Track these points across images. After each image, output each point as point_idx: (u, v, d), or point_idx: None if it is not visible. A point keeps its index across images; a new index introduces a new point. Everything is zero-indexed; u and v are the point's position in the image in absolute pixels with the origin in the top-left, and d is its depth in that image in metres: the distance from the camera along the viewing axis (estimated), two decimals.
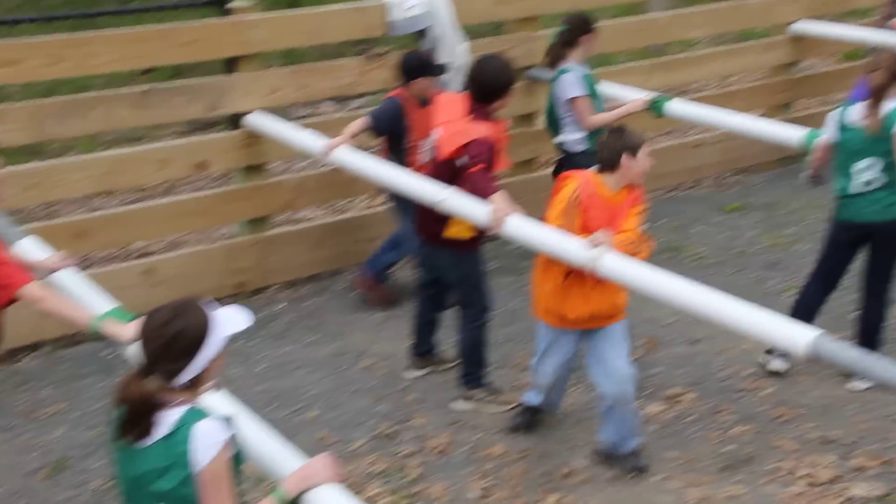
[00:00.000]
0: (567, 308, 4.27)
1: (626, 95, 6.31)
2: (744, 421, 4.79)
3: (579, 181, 4.21)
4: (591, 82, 5.83)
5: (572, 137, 5.83)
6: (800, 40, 8.11)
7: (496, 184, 4.49)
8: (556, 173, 5.84)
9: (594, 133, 5.69)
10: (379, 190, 6.15)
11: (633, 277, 3.94)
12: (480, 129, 4.58)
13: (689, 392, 5.04)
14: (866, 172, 4.77)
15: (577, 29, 5.84)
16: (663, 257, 6.53)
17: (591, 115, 5.78)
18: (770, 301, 5.75)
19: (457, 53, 6.35)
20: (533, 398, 4.70)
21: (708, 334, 5.45)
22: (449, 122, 4.71)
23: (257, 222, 6.29)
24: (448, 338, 5.25)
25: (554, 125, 5.95)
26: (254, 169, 6.22)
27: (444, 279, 5.01)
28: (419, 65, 5.59)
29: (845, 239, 4.98)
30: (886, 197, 4.77)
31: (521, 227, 4.33)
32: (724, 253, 6.69)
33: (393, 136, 5.60)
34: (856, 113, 4.80)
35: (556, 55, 5.89)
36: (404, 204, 5.42)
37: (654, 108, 6.10)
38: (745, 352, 5.32)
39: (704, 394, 5.03)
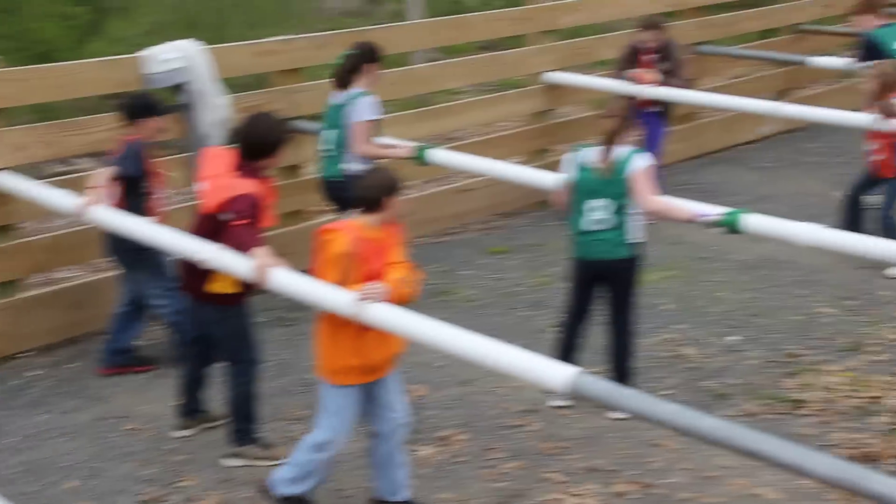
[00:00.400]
0: (373, 355, 4.20)
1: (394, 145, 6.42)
2: (514, 457, 4.89)
3: (347, 234, 4.16)
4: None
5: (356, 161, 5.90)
6: (553, 89, 8.52)
7: (259, 238, 4.42)
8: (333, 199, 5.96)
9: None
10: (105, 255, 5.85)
11: (402, 325, 3.96)
12: (246, 185, 4.54)
13: (460, 433, 5.10)
14: (598, 212, 5.00)
15: (363, 56, 5.93)
16: (434, 301, 6.64)
17: (369, 141, 5.91)
18: (537, 338, 5.98)
19: (216, 107, 6.26)
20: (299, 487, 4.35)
21: (479, 375, 5.54)
22: (215, 176, 4.63)
23: (6, 286, 5.94)
24: (217, 394, 5.10)
25: (340, 150, 6.00)
26: (1, 230, 5.89)
27: (210, 334, 4.88)
28: (145, 105, 5.51)
29: (582, 276, 5.23)
30: (615, 237, 5.02)
31: (285, 280, 4.28)
32: (492, 294, 6.86)
33: (129, 182, 5.43)
34: (591, 155, 5.04)
35: (343, 79, 5.95)
36: (132, 265, 5.31)
37: (417, 156, 6.24)
38: (515, 389, 5.45)
39: (476, 433, 5.10)
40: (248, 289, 4.65)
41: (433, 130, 8.27)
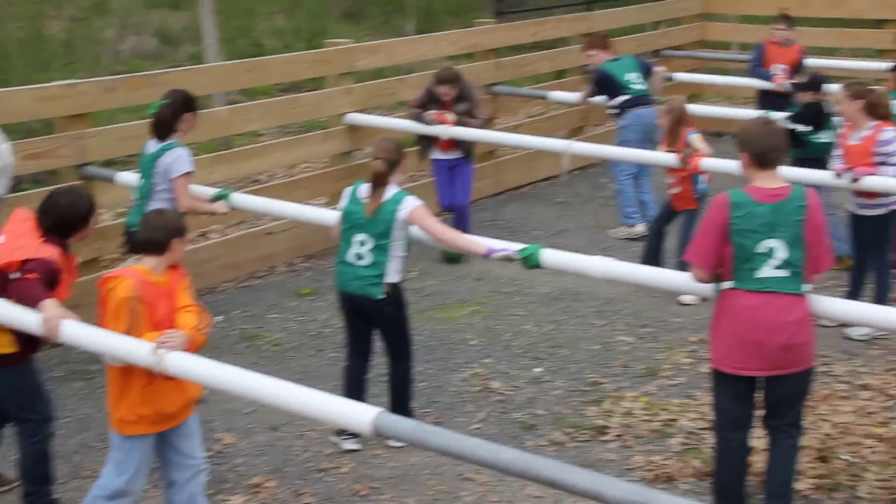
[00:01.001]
0: (164, 403, 4.08)
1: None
2: (326, 500, 4.84)
3: (131, 279, 4.03)
4: None
5: None
6: (355, 130, 8.58)
7: (47, 291, 4.22)
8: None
9: None
10: None
11: (204, 373, 3.87)
12: (46, 251, 4.37)
13: (270, 479, 5.01)
14: (359, 247, 5.07)
15: (179, 105, 5.79)
16: (242, 346, 6.54)
17: (190, 195, 5.80)
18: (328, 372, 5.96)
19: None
20: None
21: (288, 419, 5.47)
22: (16, 234, 4.44)
23: None
24: (8, 455, 4.83)
25: (145, 200, 5.84)
26: None
27: None
28: None
29: (344, 308, 5.30)
30: (370, 275, 5.06)
31: (77, 333, 4.10)
32: (301, 337, 6.79)
33: None
34: (364, 191, 5.11)
35: (162, 130, 5.82)
36: None
37: (215, 199, 6.17)
38: (326, 432, 5.40)
39: (286, 479, 5.02)
40: (32, 345, 4.45)
41: (235, 173, 8.19)
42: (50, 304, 4.12)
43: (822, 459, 5.04)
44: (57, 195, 4.61)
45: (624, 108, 8.54)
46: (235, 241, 7.86)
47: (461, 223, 7.98)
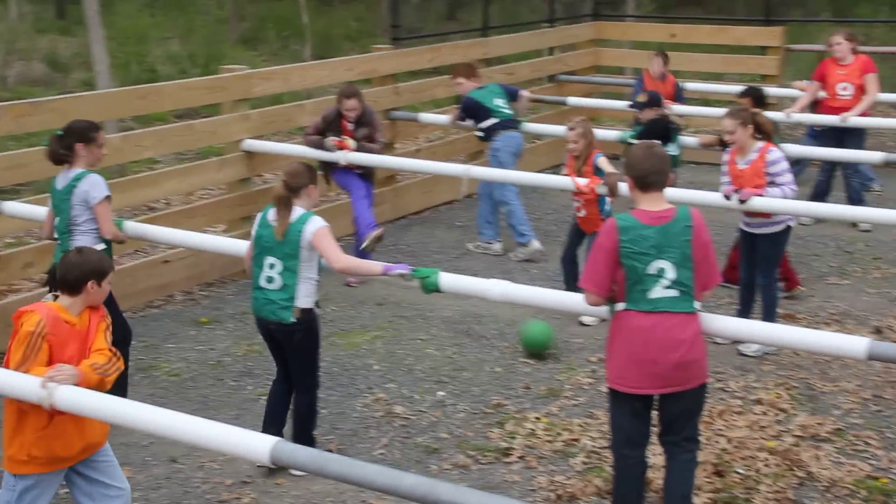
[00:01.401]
0: (59, 447, 3.95)
1: None
2: None
3: (42, 314, 3.91)
4: None
5: (91, 243, 5.50)
6: (252, 156, 8.50)
7: None
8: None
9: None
10: None
11: (95, 407, 3.76)
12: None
13: None
14: (269, 271, 5.04)
15: (76, 135, 5.61)
16: (138, 378, 6.38)
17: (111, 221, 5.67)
18: (247, 408, 5.89)
19: None
20: None
21: (187, 451, 5.36)
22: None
23: None
24: None
25: (66, 236, 5.64)
26: None
27: None
28: None
29: (262, 333, 5.28)
30: (281, 299, 5.02)
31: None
32: (200, 366, 6.67)
33: None
34: (272, 214, 5.09)
35: (59, 160, 5.63)
36: None
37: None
38: (227, 462, 5.31)
39: None
40: None
41: (130, 201, 8.03)
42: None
43: (719, 474, 5.15)
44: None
45: (492, 131, 8.78)
46: (131, 270, 7.69)
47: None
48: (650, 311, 4.24)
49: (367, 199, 8.13)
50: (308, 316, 5.12)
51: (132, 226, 6.10)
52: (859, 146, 8.98)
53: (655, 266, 4.22)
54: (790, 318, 7.11)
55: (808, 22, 17.98)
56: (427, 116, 9.85)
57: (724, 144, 7.73)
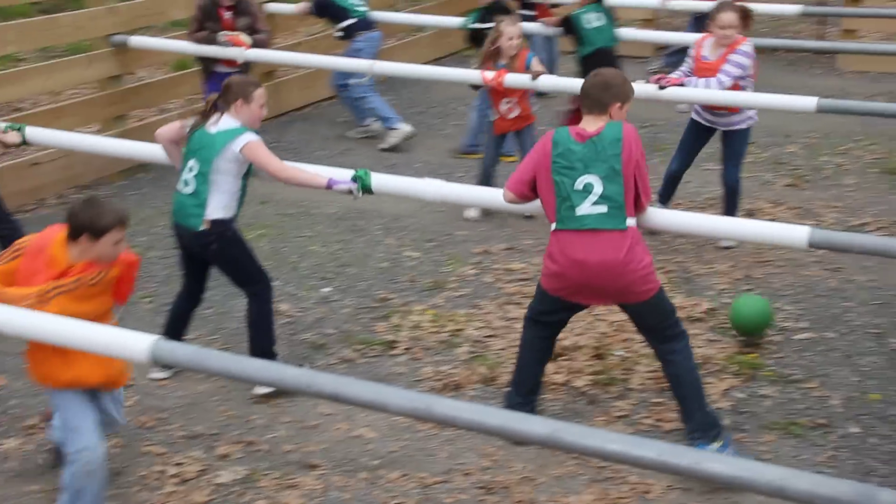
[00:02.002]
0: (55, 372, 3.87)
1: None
2: (109, 437, 4.70)
3: (38, 236, 3.82)
4: None
5: None
6: (124, 53, 8.18)
7: None
8: None
9: None
10: None
11: None
12: None
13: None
14: (188, 173, 4.85)
15: None
16: None
17: None
18: (128, 311, 5.78)
19: None
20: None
21: None
22: None
23: None
24: None
25: None
26: None
27: None
28: None
29: (175, 236, 5.06)
30: (192, 205, 4.83)
31: None
32: None
33: None
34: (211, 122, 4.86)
35: None
36: None
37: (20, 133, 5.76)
38: None
39: None
40: None
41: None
42: None
43: (599, 357, 5.30)
44: None
45: (352, 30, 8.68)
46: None
47: None
48: (578, 230, 4.18)
49: None
50: (223, 226, 4.88)
51: (34, 131, 5.80)
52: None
53: (582, 181, 4.16)
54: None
55: None
56: (272, 6, 9.43)
57: (566, 26, 7.81)
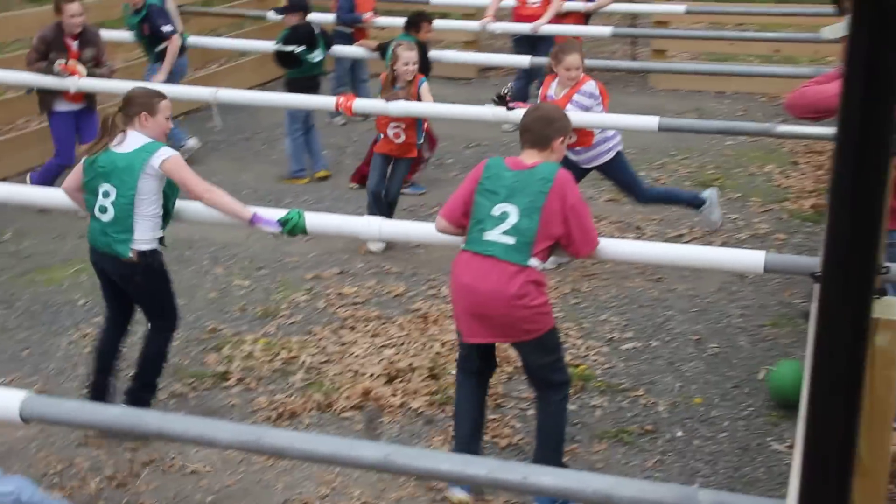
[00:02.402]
0: None
1: None
2: None
3: None
4: None
5: None
6: None
7: None
8: None
9: None
10: None
11: None
12: None
13: None
14: (104, 199, 4.55)
15: None
16: None
17: None
18: None
19: None
20: None
21: None
22: None
23: None
24: None
25: None
26: None
27: None
28: None
29: (95, 267, 4.78)
30: (115, 232, 4.55)
31: None
32: None
33: None
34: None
35: None
36: None
37: None
38: None
39: None
40: None
41: None
42: None
43: (434, 377, 5.34)
44: None
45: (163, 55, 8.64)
46: None
47: None
48: (480, 254, 4.11)
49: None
50: (147, 259, 4.61)
51: None
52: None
53: (500, 208, 4.10)
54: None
55: None
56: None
57: (381, 51, 7.96)
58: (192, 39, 9.04)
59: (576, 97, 6.36)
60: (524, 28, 9.26)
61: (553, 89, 6.52)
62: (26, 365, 5.48)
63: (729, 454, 4.74)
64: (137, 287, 4.72)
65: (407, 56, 6.91)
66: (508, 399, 5.19)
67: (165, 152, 4.55)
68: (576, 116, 5.98)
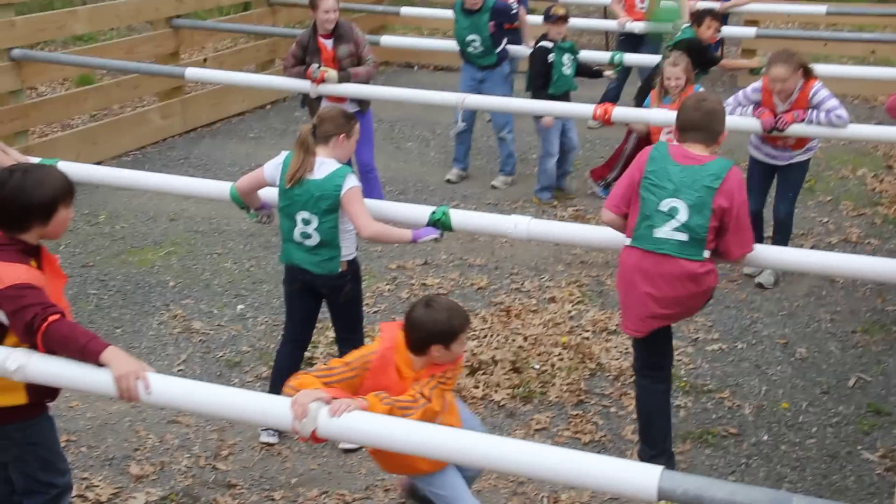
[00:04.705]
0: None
1: None
2: None
3: (380, 348, 3.50)
4: None
5: None
6: (23, 66, 8.00)
7: (92, 336, 3.15)
8: None
9: None
10: None
11: None
12: (11, 273, 3.18)
13: None
14: (305, 227, 4.47)
15: None
16: None
17: None
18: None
19: None
20: None
21: None
22: None
23: None
24: None
25: None
26: None
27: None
28: None
29: (294, 284, 4.69)
30: (324, 253, 4.50)
31: (169, 390, 3.19)
32: None
33: None
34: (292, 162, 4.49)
35: None
36: None
37: None
38: None
39: None
40: (49, 394, 3.47)
41: None
42: (114, 355, 3.13)
43: (516, 370, 5.36)
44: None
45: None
46: None
47: (373, 184, 7.18)
48: (652, 251, 4.08)
49: (370, 143, 7.25)
50: (353, 266, 4.63)
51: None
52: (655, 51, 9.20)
53: (668, 203, 4.05)
54: (580, 219, 7.42)
55: None
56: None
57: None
58: None
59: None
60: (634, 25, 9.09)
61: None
62: (119, 342, 5.61)
63: (817, 461, 4.68)
64: (346, 295, 4.67)
65: (670, 72, 6.61)
66: (591, 395, 5.19)
67: (351, 181, 4.42)
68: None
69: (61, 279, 3.45)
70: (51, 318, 3.09)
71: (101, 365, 3.10)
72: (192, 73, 7.90)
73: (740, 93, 6.17)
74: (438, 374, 3.50)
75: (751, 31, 9.48)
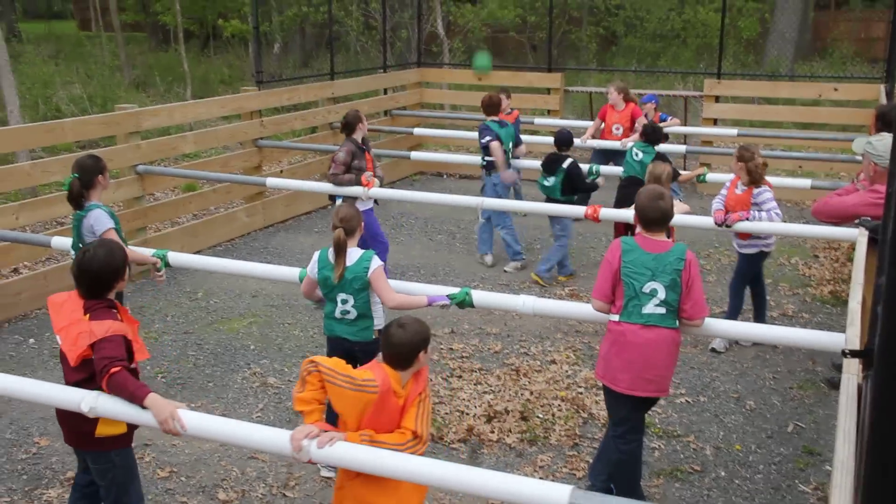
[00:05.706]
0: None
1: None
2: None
3: (378, 379, 3.22)
4: (115, 218, 5.09)
5: None
6: (145, 178, 8.16)
7: (142, 385, 3.29)
8: None
9: None
10: None
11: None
12: (104, 327, 3.33)
13: None
14: (344, 305, 4.42)
15: (91, 170, 5.01)
16: (52, 363, 6.01)
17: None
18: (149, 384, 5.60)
19: None
20: None
21: None
22: (68, 325, 3.39)
23: None
24: None
25: None
26: None
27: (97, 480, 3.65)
28: None
29: (336, 350, 4.49)
30: (361, 324, 4.44)
31: (202, 425, 3.27)
32: None
33: None
34: (331, 256, 4.42)
35: (78, 197, 5.01)
36: None
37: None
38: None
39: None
40: (134, 426, 3.52)
41: (42, 217, 7.53)
42: (154, 401, 3.25)
43: (524, 419, 5.29)
44: (90, 253, 3.46)
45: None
46: (43, 274, 7.26)
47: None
48: (644, 325, 4.03)
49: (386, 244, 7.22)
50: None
51: (174, 256, 5.43)
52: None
53: (649, 286, 4.01)
54: (575, 297, 7.38)
55: (580, 70, 18.66)
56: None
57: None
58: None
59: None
60: (613, 144, 9.25)
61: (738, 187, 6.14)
62: (210, 394, 5.62)
63: (764, 492, 4.57)
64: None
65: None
66: (584, 439, 5.11)
67: (375, 262, 4.38)
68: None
69: (134, 323, 3.55)
70: (112, 370, 3.25)
71: (144, 407, 3.26)
72: (271, 181, 8.05)
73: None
74: (422, 389, 3.32)
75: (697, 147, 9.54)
